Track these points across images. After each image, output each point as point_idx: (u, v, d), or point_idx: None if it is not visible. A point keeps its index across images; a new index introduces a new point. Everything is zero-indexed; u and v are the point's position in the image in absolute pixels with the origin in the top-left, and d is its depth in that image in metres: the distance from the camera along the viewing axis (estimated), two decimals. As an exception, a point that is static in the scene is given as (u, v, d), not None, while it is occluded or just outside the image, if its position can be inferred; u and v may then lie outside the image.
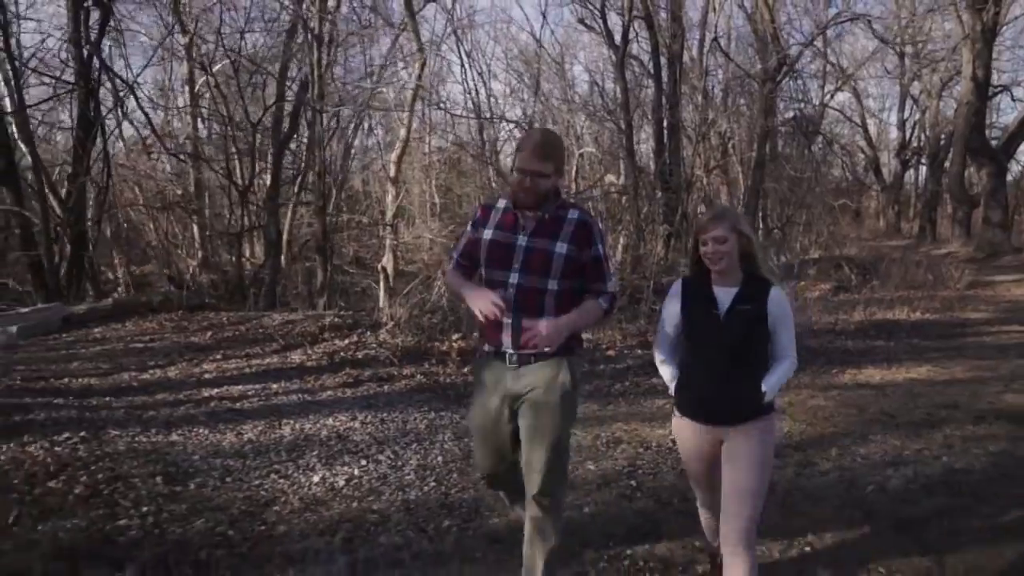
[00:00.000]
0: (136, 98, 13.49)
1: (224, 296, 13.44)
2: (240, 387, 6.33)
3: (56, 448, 4.63)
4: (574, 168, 18.93)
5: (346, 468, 4.52)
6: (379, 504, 4.02)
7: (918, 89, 31.04)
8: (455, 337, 7.67)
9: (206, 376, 6.77)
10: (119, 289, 15.16)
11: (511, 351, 2.78)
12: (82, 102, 13.17)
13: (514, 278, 2.75)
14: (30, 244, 12.98)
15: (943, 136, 28.65)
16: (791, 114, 21.43)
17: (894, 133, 35.20)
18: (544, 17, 58.52)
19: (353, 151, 20.75)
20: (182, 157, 15.59)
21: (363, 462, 4.62)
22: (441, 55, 23.05)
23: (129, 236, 16.55)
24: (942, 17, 23.48)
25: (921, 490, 4.23)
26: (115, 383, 6.55)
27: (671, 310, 2.91)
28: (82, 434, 4.90)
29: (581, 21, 20.51)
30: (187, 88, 17.18)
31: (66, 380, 6.60)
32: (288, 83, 16.09)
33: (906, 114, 32.98)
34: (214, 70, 16.01)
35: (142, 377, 6.77)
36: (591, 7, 17.48)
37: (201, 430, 5.16)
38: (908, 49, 26.49)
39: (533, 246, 2.76)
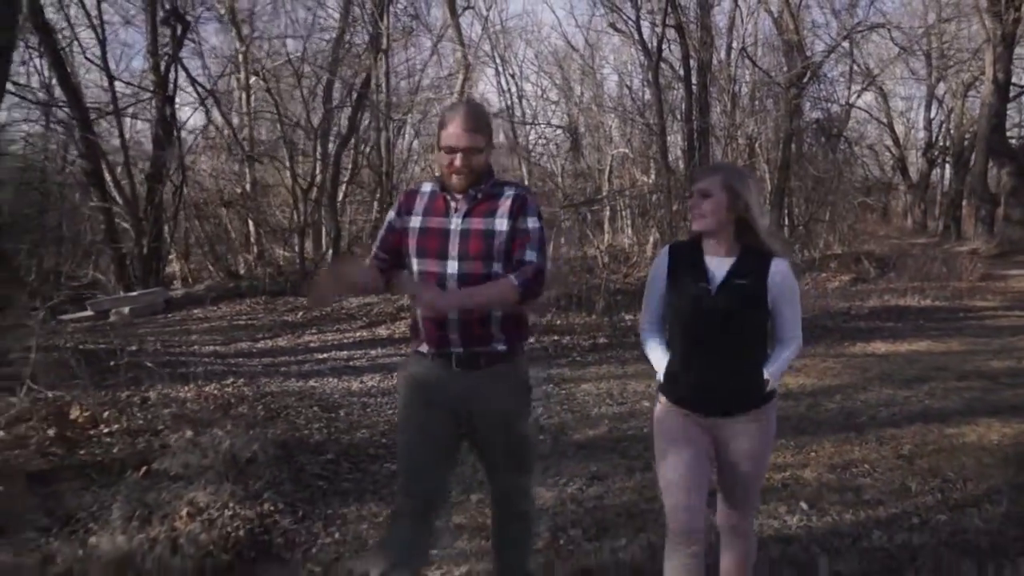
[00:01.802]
0: (217, 104, 14.94)
1: (286, 286, 14.92)
2: (345, 352, 7.78)
3: (227, 389, 6.09)
4: (607, 168, 20.29)
5: None
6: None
7: (943, 90, 32.03)
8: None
9: (311, 345, 8.24)
10: (175, 281, 16.68)
11: (459, 350, 2.54)
12: (160, 108, 14.75)
13: (452, 267, 2.52)
14: (113, 238, 14.57)
15: (967, 136, 29.64)
16: (817, 115, 22.63)
17: (922, 133, 36.15)
18: (575, 20, 59.80)
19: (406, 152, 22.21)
20: (259, 158, 17.05)
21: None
22: (477, 60, 24.41)
23: (193, 232, 18.11)
24: (969, 22, 24.60)
25: (903, 420, 5.57)
26: (237, 350, 8.03)
27: (657, 281, 2.65)
28: (241, 380, 6.36)
29: (612, 26, 21.88)
30: (244, 94, 18.76)
31: (195, 347, 8.08)
32: (341, 86, 17.64)
33: (932, 114, 33.94)
34: (269, 75, 17.57)
35: (257, 346, 8.25)
36: (626, 17, 18.78)
37: (330, 379, 6.60)
38: (934, 50, 27.59)
39: (469, 228, 2.53)
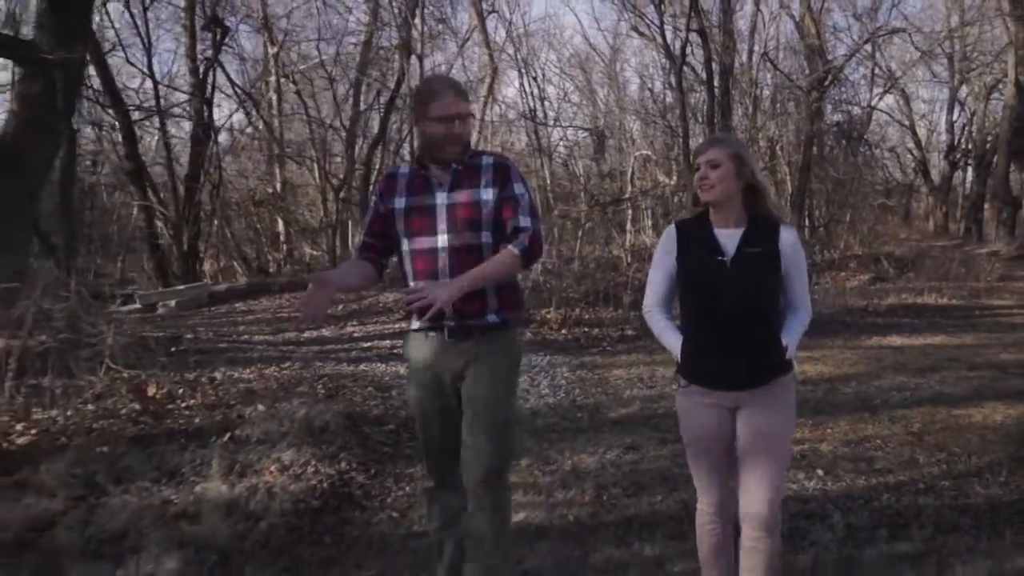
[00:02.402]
0: (256, 106, 15.57)
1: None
2: (388, 341, 8.33)
3: (285, 371, 6.66)
4: (630, 169, 20.76)
5: None
6: (529, 405, 5.97)
7: (966, 92, 32.21)
8: (546, 311, 9.63)
9: (355, 335, 8.81)
10: (205, 278, 17.31)
11: (451, 323, 2.59)
12: (198, 111, 15.38)
13: (443, 241, 2.58)
14: (153, 236, 15.22)
15: (989, 139, 29.84)
16: (838, 118, 22.99)
17: (944, 135, 36.31)
18: (597, 23, 60.25)
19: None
20: (296, 159, 17.66)
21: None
22: (501, 62, 24.96)
23: (227, 230, 18.79)
24: (991, 24, 24.85)
25: (914, 403, 6.04)
26: (285, 339, 8.60)
27: (665, 258, 2.65)
28: (297, 364, 6.92)
29: (635, 29, 22.40)
30: (276, 96, 19.42)
31: (246, 337, 8.66)
32: (367, 89, 18.26)
33: (955, 116, 34.12)
34: (301, 78, 18.22)
35: (303, 336, 8.82)
36: (648, 21, 19.26)
37: (378, 364, 7.15)
38: (956, 53, 27.84)
39: (455, 201, 2.60)
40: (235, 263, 18.08)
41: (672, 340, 2.65)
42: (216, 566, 3.19)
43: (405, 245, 2.65)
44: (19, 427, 5.11)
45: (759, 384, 2.55)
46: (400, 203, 2.66)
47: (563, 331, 8.82)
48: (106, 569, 3.07)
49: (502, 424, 2.66)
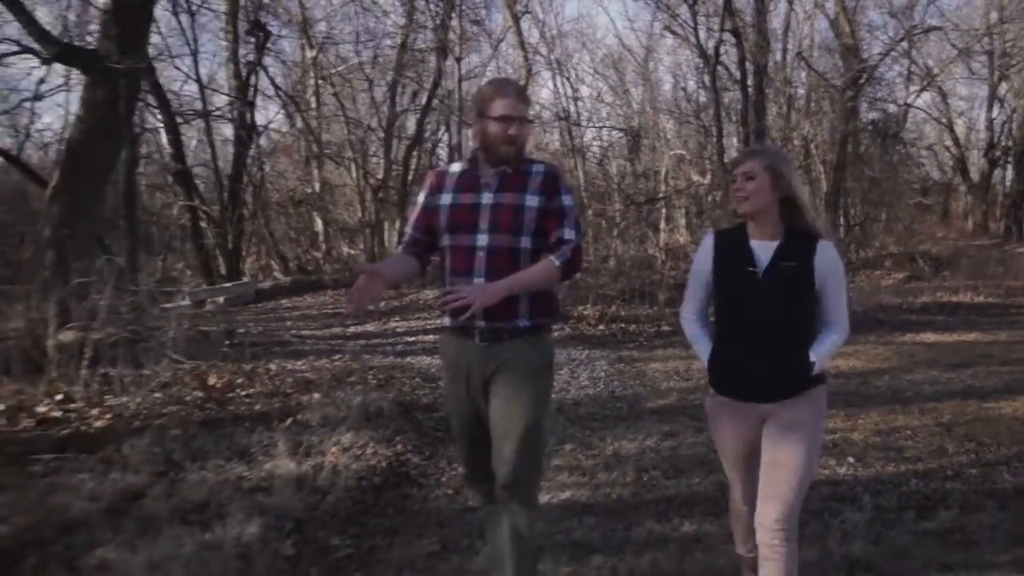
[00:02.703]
0: (298, 108, 16.02)
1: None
2: (430, 336, 8.66)
3: (336, 363, 7.01)
4: (664, 169, 20.93)
5: None
6: (570, 395, 6.26)
7: (1005, 89, 31.86)
8: (583, 308, 9.91)
9: (399, 330, 9.16)
10: (245, 276, 17.79)
11: (481, 324, 2.60)
12: (241, 113, 15.86)
13: (482, 240, 2.61)
14: (198, 234, 15.73)
15: (1030, 136, 29.48)
16: (873, 116, 22.95)
17: (983, 132, 35.90)
18: (630, 23, 60.25)
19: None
20: (336, 159, 18.10)
21: (550, 374, 6.89)
22: (535, 63, 25.24)
23: (268, 229, 19.30)
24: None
25: (945, 396, 6.24)
26: (332, 334, 8.97)
27: (701, 267, 2.71)
28: (347, 356, 7.28)
29: (668, 28, 22.54)
30: (315, 98, 19.88)
31: (294, 331, 9.05)
32: (401, 90, 18.64)
33: (994, 114, 33.75)
34: (340, 80, 18.65)
35: (348, 331, 9.18)
36: (682, 21, 19.42)
37: (423, 357, 7.48)
38: (995, 49, 27.59)
39: (500, 203, 2.63)
40: (273, 261, 18.58)
41: (702, 349, 2.71)
42: (292, 532, 3.52)
43: (446, 240, 2.68)
44: (95, 412, 5.51)
45: (785, 397, 2.57)
46: (447, 199, 2.70)
47: (600, 327, 9.12)
48: (195, 532, 3.40)
49: (529, 432, 2.62)
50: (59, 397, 5.73)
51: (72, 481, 4.10)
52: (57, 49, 7.64)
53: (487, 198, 2.64)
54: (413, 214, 2.85)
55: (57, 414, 5.46)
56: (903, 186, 21.70)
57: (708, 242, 2.70)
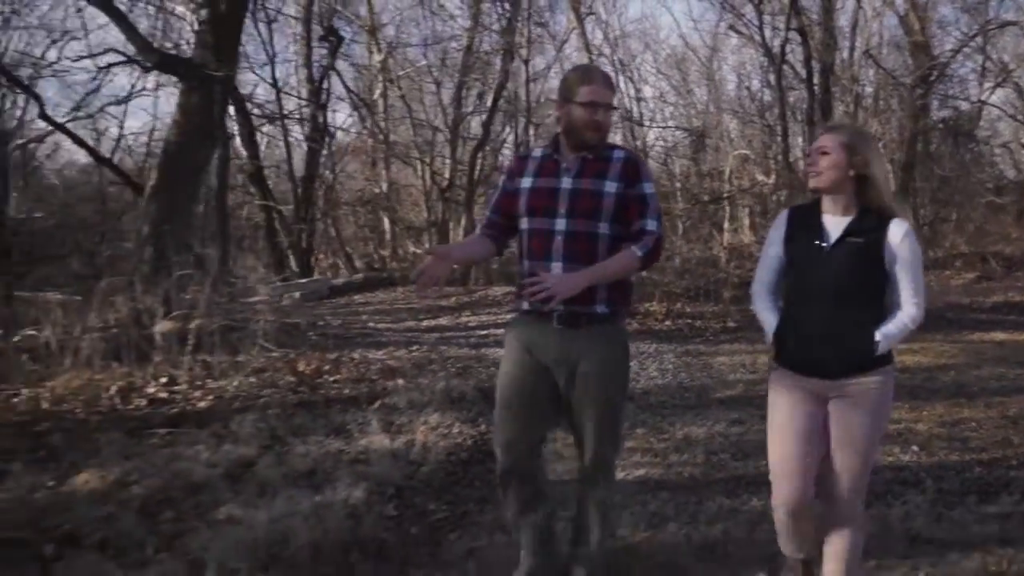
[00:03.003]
0: (370, 111, 16.60)
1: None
2: (501, 330, 8.97)
3: (414, 354, 7.43)
4: (727, 169, 20.98)
5: None
6: (641, 385, 6.55)
7: (1086, 85, 30.86)
8: (649, 304, 10.17)
9: (470, 324, 9.55)
10: (316, 274, 18.42)
11: (559, 308, 2.65)
12: (314, 116, 16.48)
13: (560, 224, 2.66)
14: (271, 233, 16.40)
15: (1112, 133, 28.54)
16: (944, 113, 22.56)
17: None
18: (694, 22, 59.84)
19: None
20: (406, 160, 18.65)
21: (618, 366, 7.20)
22: (600, 64, 25.47)
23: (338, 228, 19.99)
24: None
25: (1013, 391, 6.33)
26: (406, 327, 9.41)
27: (774, 242, 2.74)
28: (424, 347, 7.68)
29: (732, 28, 22.54)
30: (383, 100, 20.48)
31: (370, 325, 9.50)
32: (467, 92, 19.10)
33: (1075, 110, 32.69)
34: (410, 82, 19.20)
35: (422, 325, 9.61)
36: (747, 20, 19.45)
37: (496, 349, 7.81)
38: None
39: (580, 188, 2.68)
40: (338, 260, 19.22)
41: (768, 322, 2.73)
42: (393, 496, 3.90)
43: (524, 223, 2.76)
44: (197, 393, 6.01)
45: (848, 376, 2.57)
46: (527, 183, 2.77)
47: (667, 322, 9.39)
48: (307, 495, 3.80)
49: (612, 415, 2.79)
50: (164, 380, 6.25)
51: (189, 451, 4.54)
52: (157, 58, 8.24)
53: (566, 183, 2.69)
54: (493, 197, 2.95)
55: (164, 395, 5.97)
56: (975, 185, 21.30)
57: (783, 217, 2.74)
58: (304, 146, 17.11)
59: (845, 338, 2.54)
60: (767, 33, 19.46)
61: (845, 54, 21.95)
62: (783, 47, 18.22)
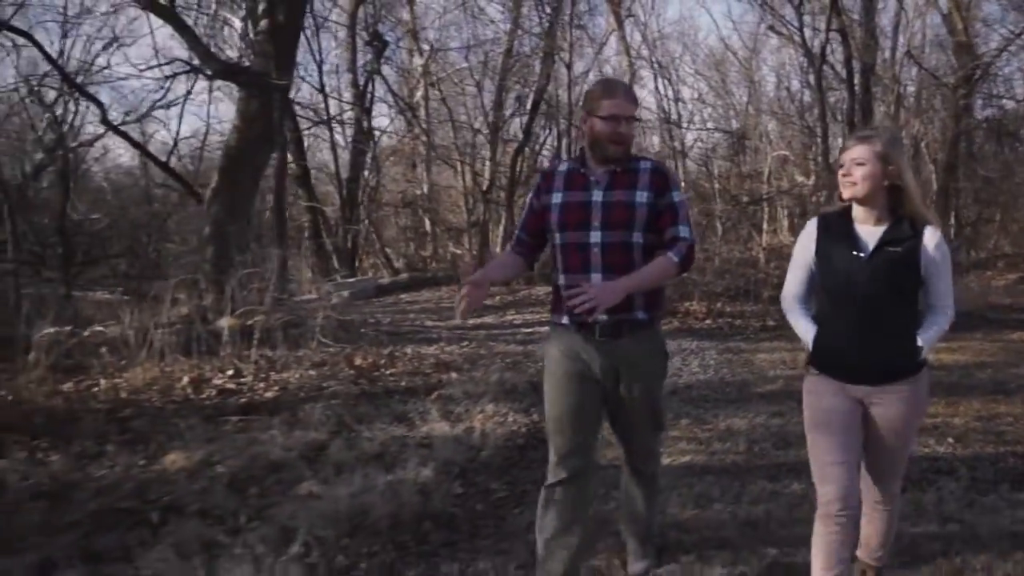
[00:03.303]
0: (416, 115, 17.03)
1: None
2: (545, 328, 9.30)
3: (464, 349, 7.79)
4: (767, 170, 21.08)
5: None
6: (683, 380, 6.84)
7: None
8: (689, 303, 10.44)
9: (515, 322, 9.89)
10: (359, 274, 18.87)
11: (603, 318, 2.70)
12: (358, 119, 16.94)
13: (596, 237, 2.72)
14: (316, 233, 16.88)
15: None
16: (988, 113, 22.39)
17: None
18: (733, 23, 59.69)
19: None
20: (448, 161, 19.05)
21: (662, 362, 7.49)
22: (639, 66, 25.67)
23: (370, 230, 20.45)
24: None
25: (1051, 388, 6.52)
26: (453, 325, 9.76)
27: (804, 251, 2.77)
28: (473, 343, 8.03)
29: (772, 28, 22.62)
30: (424, 103, 20.92)
31: (418, 323, 9.88)
32: (507, 95, 19.45)
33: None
34: (451, 84, 19.61)
35: (468, 323, 9.95)
36: (786, 21, 19.53)
37: (543, 344, 8.15)
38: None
39: (611, 200, 2.75)
40: (378, 261, 19.68)
41: (805, 330, 2.76)
42: (458, 476, 4.25)
43: (558, 239, 2.80)
44: (262, 385, 6.42)
45: (890, 381, 2.64)
46: (557, 198, 2.82)
47: (707, 321, 9.67)
48: (380, 473, 4.16)
49: (654, 415, 3.02)
50: (230, 372, 6.68)
51: (264, 436, 4.94)
52: (219, 67, 8.69)
53: (597, 196, 2.75)
54: (524, 214, 3.00)
55: (232, 386, 6.39)
56: (1019, 186, 21.16)
57: (811, 226, 2.76)
58: (348, 149, 17.59)
59: (887, 346, 2.61)
60: (807, 33, 19.53)
61: (887, 53, 21.92)
62: (823, 48, 18.28)
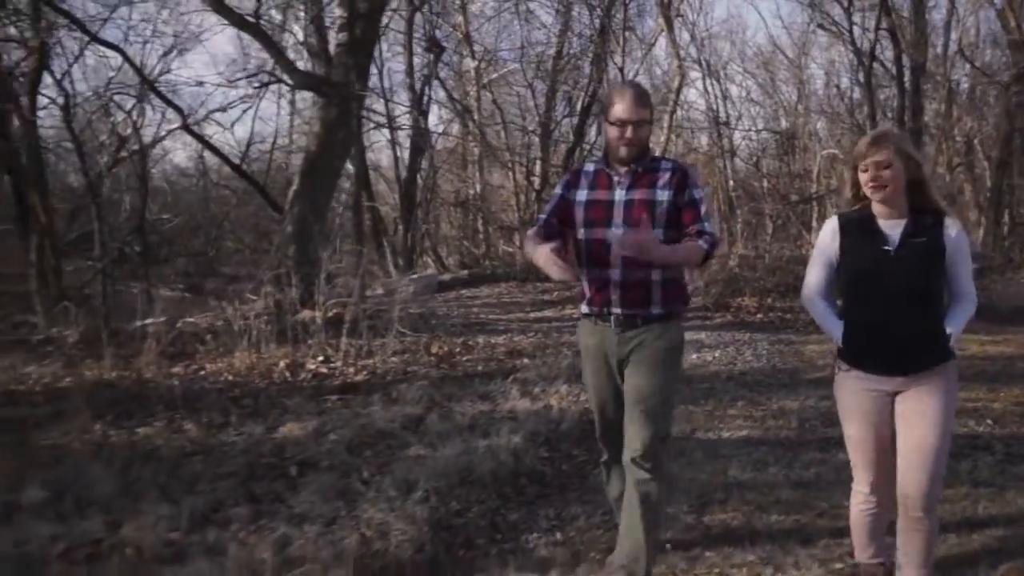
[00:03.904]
0: (472, 117, 17.75)
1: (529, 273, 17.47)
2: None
3: (531, 339, 8.46)
4: (816, 169, 21.38)
5: (712, 354, 8.01)
6: (737, 368, 7.44)
7: None
8: (741, 298, 11.00)
9: (574, 316, 10.45)
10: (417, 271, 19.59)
11: (618, 311, 2.92)
12: (416, 121, 17.70)
13: (618, 233, 2.85)
14: (376, 232, 17.66)
15: None
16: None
17: None
18: (782, 20, 59.52)
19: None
20: (506, 163, 19.70)
21: (718, 352, 8.08)
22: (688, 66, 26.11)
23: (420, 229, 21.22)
24: None
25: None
26: (516, 318, 10.45)
27: (826, 249, 2.87)
28: (539, 334, 8.70)
29: (820, 26, 22.89)
30: (477, 104, 21.64)
31: (483, 316, 10.57)
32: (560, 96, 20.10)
33: None
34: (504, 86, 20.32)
35: (530, 316, 10.64)
36: (839, 27, 19.80)
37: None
38: None
39: (633, 198, 2.90)
40: (429, 258, 20.45)
41: (833, 326, 2.86)
42: (544, 443, 4.93)
43: (582, 234, 2.97)
44: (351, 369, 7.14)
45: (921, 370, 2.72)
46: (582, 196, 2.99)
47: (759, 315, 10.25)
48: (477, 439, 4.83)
49: (659, 407, 2.94)
50: (321, 358, 7.41)
51: (365, 411, 5.65)
52: (302, 79, 9.47)
53: (619, 194, 2.91)
54: (551, 202, 3.13)
55: (324, 370, 7.13)
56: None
57: (832, 225, 2.87)
58: (405, 150, 18.35)
59: (920, 336, 2.72)
60: (856, 32, 19.77)
61: (938, 49, 21.97)
62: (873, 48, 18.54)
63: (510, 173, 20.33)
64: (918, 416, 2.72)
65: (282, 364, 7.15)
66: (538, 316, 10.51)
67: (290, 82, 9.69)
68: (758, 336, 9.04)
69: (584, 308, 3.07)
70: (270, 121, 36.74)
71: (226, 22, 9.20)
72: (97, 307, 10.38)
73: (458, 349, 7.83)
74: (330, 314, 8.31)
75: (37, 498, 3.77)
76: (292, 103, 20.07)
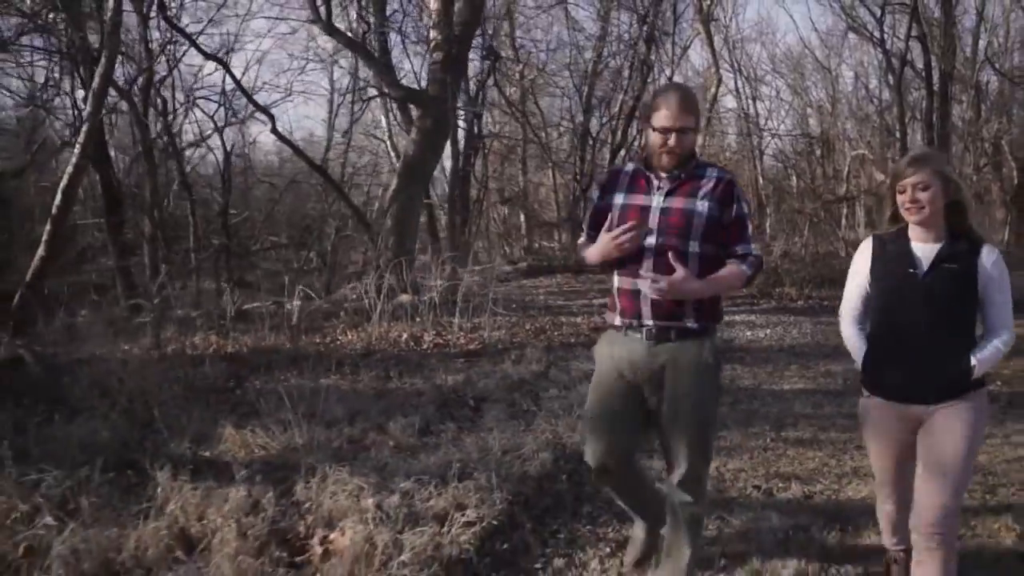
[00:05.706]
0: (527, 120, 19.36)
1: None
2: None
3: (593, 320, 10.10)
4: (845, 169, 22.85)
5: (764, 332, 9.65)
6: (787, 342, 9.06)
7: None
8: (781, 288, 12.61)
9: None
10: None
11: (649, 323, 2.81)
12: (470, 123, 19.31)
13: (651, 241, 2.78)
14: (433, 228, 19.28)
15: None
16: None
17: None
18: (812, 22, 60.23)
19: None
20: (559, 163, 21.30)
21: (768, 331, 9.72)
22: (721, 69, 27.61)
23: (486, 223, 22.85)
24: None
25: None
26: (580, 304, 12.07)
27: (860, 270, 2.86)
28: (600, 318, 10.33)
29: (852, 28, 24.21)
30: (522, 105, 23.24)
31: (551, 302, 12.21)
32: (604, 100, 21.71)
33: None
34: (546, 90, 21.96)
35: (593, 303, 12.24)
36: (870, 32, 21.10)
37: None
38: None
39: (671, 206, 2.79)
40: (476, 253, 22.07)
41: (859, 347, 2.92)
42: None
43: None
44: (462, 340, 8.76)
45: (942, 400, 2.68)
46: (619, 199, 2.90)
47: (799, 302, 11.89)
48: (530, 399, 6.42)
49: (706, 432, 2.93)
50: (435, 332, 9.06)
51: (495, 369, 7.27)
52: (403, 92, 11.14)
53: (657, 200, 2.83)
54: (587, 212, 3.13)
55: (440, 341, 8.77)
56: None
57: (866, 246, 2.88)
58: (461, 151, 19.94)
59: (941, 365, 2.68)
60: (886, 36, 20.92)
61: (967, 51, 22.86)
62: (904, 54, 19.66)
63: (550, 172, 21.97)
64: (937, 439, 2.69)
65: (405, 335, 8.81)
66: (601, 303, 12.11)
67: (393, 96, 11.31)
68: (801, 319, 10.64)
69: (613, 319, 3.00)
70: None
71: (344, 46, 10.87)
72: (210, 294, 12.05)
73: (547, 325, 9.49)
74: (425, 297, 9.96)
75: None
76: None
